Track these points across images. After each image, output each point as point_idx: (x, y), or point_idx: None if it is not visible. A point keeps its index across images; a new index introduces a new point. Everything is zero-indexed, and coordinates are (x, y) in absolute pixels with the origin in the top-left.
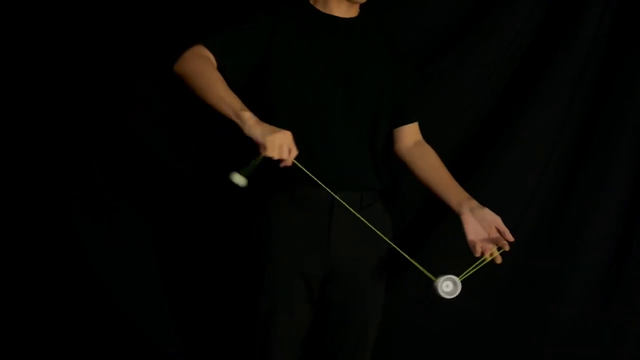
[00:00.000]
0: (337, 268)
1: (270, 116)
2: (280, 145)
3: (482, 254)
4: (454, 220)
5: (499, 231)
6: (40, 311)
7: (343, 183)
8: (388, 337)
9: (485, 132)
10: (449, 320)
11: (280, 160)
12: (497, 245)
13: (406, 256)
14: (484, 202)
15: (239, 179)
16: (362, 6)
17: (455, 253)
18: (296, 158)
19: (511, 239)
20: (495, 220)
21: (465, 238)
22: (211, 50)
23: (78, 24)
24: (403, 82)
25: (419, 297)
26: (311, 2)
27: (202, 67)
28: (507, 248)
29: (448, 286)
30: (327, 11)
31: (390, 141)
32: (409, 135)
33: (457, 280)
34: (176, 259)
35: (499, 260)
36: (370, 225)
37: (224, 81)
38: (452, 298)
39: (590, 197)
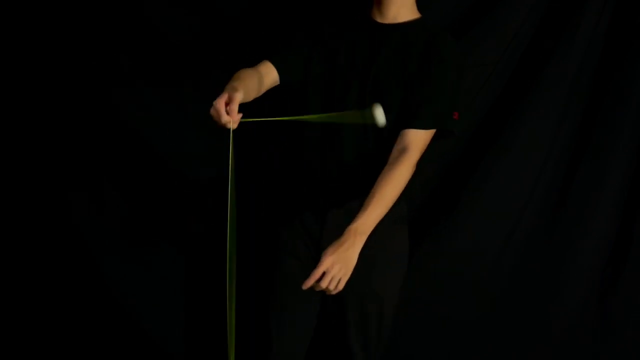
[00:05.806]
0: None
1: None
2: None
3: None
4: (454, 219)
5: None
6: (42, 312)
7: (343, 189)
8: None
9: (484, 132)
10: (446, 321)
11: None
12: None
13: None
14: (483, 202)
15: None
16: (422, 14)
17: (456, 252)
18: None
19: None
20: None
21: None
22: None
23: (80, 24)
24: (425, 77)
25: (417, 298)
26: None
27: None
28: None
29: (382, 113)
30: (377, 19)
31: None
32: (398, 140)
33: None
34: (178, 258)
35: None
36: None
37: (247, 72)
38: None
39: (588, 197)
